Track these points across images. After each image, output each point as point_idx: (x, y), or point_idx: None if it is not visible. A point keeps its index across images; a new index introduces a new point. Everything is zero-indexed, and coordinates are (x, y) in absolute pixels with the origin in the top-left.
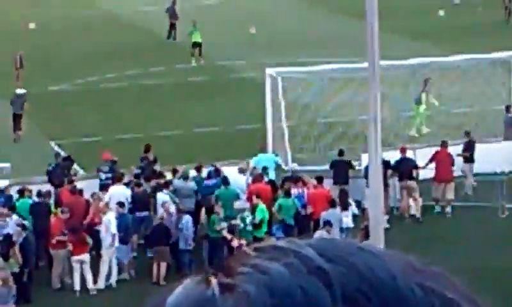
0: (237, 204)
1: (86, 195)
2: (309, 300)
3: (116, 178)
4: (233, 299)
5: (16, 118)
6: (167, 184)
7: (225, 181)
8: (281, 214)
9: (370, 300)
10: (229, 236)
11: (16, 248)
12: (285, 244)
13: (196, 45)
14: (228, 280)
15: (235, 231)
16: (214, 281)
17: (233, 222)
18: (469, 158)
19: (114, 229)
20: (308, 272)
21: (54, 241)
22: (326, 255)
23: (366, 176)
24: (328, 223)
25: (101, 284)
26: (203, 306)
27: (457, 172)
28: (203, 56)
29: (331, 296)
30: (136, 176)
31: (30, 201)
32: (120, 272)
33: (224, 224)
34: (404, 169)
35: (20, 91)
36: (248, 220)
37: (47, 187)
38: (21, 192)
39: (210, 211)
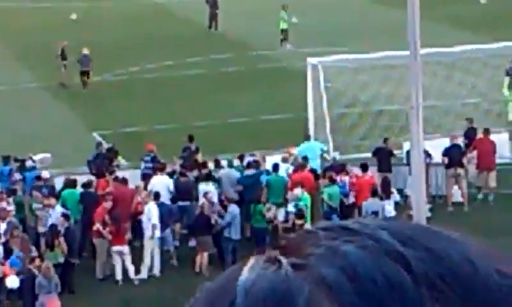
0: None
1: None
2: (392, 285)
3: (158, 168)
4: (309, 284)
5: (83, 74)
6: (209, 175)
7: (275, 168)
8: (331, 201)
9: (450, 285)
10: (299, 222)
11: (61, 238)
12: (355, 225)
13: (283, 31)
14: (299, 260)
15: (305, 215)
16: (284, 260)
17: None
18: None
19: (155, 219)
20: (387, 255)
21: (94, 228)
22: (400, 238)
23: (408, 163)
24: (374, 214)
25: (144, 274)
26: (279, 290)
27: (499, 159)
28: (284, 43)
29: (413, 281)
30: (181, 166)
31: (77, 192)
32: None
33: (272, 210)
34: (454, 156)
35: (86, 51)
36: (295, 209)
37: (89, 177)
38: (70, 183)
39: (257, 201)
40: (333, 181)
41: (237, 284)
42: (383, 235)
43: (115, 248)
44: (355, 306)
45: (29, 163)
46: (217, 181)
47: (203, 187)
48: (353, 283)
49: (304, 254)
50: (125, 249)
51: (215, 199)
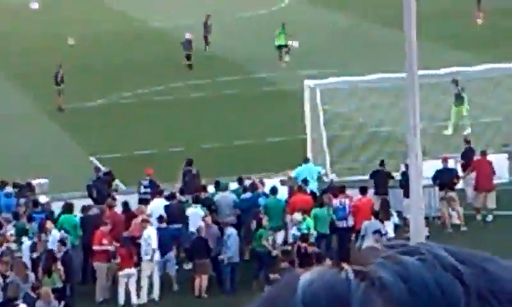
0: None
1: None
2: (445, 293)
3: (157, 192)
4: (365, 283)
5: (186, 57)
6: (197, 198)
7: (273, 191)
8: (316, 224)
9: (501, 302)
10: (303, 245)
11: (59, 263)
12: (416, 243)
13: (280, 46)
14: (361, 267)
15: (308, 238)
16: (347, 266)
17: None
18: (466, 166)
19: (154, 243)
20: (443, 268)
21: (95, 250)
22: (457, 257)
23: (401, 185)
24: (377, 232)
25: (143, 298)
26: (337, 287)
27: (498, 180)
28: (284, 59)
29: (465, 293)
30: (181, 190)
31: (75, 217)
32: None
33: (270, 239)
34: (445, 179)
35: (188, 36)
36: (299, 232)
37: (89, 202)
38: (67, 208)
39: (258, 224)
40: (321, 204)
41: (299, 282)
42: (441, 252)
43: (124, 272)
44: (406, 304)
45: (8, 189)
46: (206, 205)
47: (191, 210)
48: (407, 285)
49: (367, 263)
50: (133, 271)
51: (201, 223)
